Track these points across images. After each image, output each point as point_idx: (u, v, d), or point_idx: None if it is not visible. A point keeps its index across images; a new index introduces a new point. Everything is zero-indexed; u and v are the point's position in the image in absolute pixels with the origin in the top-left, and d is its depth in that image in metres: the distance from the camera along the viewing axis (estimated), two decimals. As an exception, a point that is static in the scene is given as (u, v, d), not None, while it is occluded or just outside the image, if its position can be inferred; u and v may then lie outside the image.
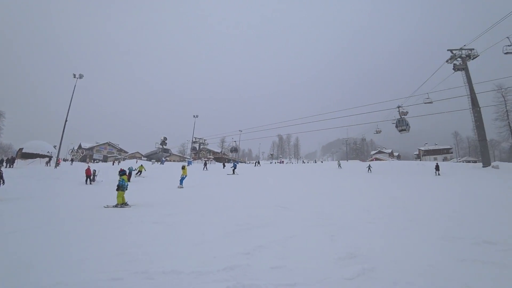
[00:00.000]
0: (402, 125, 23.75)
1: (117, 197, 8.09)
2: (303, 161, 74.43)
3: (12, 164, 27.33)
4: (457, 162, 50.12)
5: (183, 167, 15.32)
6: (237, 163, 31.02)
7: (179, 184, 14.41)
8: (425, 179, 15.51)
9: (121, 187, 8.20)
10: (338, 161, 34.68)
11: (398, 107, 26.58)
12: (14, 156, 36.59)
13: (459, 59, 24.94)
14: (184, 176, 14.83)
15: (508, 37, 20.05)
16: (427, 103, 24.80)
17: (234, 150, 36.02)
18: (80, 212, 7.18)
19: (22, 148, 54.68)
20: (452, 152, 70.71)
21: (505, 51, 20.31)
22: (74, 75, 30.06)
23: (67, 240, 4.41)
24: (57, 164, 28.14)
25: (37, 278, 2.88)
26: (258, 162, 46.29)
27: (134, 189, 13.08)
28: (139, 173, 21.51)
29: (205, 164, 32.06)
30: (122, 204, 8.05)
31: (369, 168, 22.94)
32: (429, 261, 3.34)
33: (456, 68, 24.90)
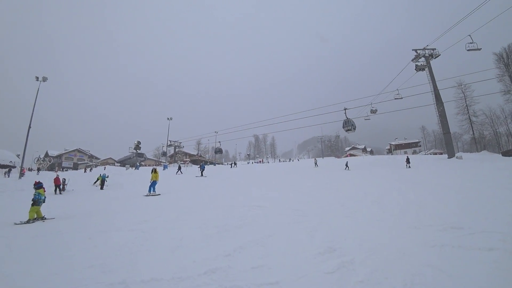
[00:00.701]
0: (348, 125, 25.53)
1: (29, 212, 7.21)
2: (279, 160, 75.21)
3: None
4: (425, 154, 53.07)
5: (154, 171, 13.02)
6: (206, 165, 31.06)
7: (147, 192, 12.23)
8: (396, 171, 16.25)
9: (36, 202, 7.39)
10: (315, 159, 33.95)
11: (371, 103, 27.95)
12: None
13: (422, 58, 26.45)
14: (155, 182, 12.62)
15: (469, 35, 21.47)
16: (397, 98, 26.08)
17: (219, 151, 35.46)
18: (46, 223, 6.72)
19: (-20, 159, 50.44)
20: (420, 146, 74.87)
21: (468, 48, 21.74)
22: (37, 78, 28.03)
23: (33, 255, 4.07)
24: (22, 174, 26.21)
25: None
26: (235, 163, 44.86)
27: (101, 196, 12.53)
28: (100, 185, 17.80)
29: (179, 168, 30.40)
30: (35, 219, 7.20)
31: (346, 166, 23.29)
32: (402, 249, 3.51)
33: (417, 69, 26.52)
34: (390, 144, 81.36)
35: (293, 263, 3.27)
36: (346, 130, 25.93)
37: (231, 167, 40.48)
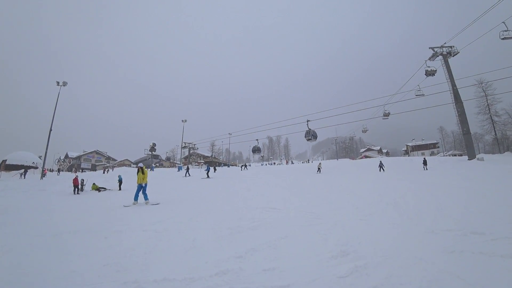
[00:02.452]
0: (308, 135, 25.56)
1: None
2: (291, 162, 74.71)
3: (-5, 177, 26.44)
4: (444, 156, 51.38)
5: (141, 170, 10.06)
6: (219, 166, 31.23)
7: (133, 201, 9.50)
8: (413, 174, 15.81)
9: None
10: (319, 163, 28.75)
11: (384, 110, 27.53)
12: (-3, 168, 35.32)
13: (440, 56, 25.67)
14: (143, 185, 9.87)
15: (504, 22, 20.43)
16: (419, 95, 25.15)
17: (258, 150, 32.21)
18: (63, 223, 6.96)
19: (6, 160, 52.88)
20: (438, 147, 72.61)
21: (503, 36, 20.67)
22: (58, 83, 29.31)
23: (49, 253, 4.22)
24: (43, 175, 27.32)
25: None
26: (245, 165, 42.59)
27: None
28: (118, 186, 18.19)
29: (187, 170, 29.44)
30: None
31: (381, 166, 21.21)
32: (419, 254, 3.39)
33: (427, 74, 25.67)
34: (406, 145, 79.43)
35: (306, 266, 3.23)
36: (308, 140, 26.20)
37: (241, 169, 38.54)
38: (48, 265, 3.63)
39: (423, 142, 74.97)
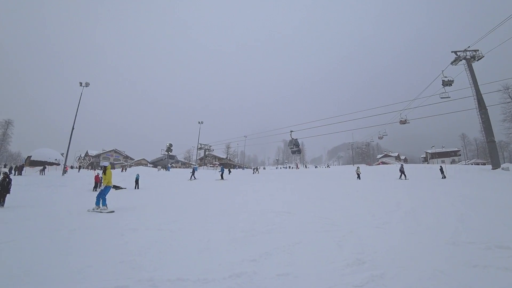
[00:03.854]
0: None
1: None
2: (305, 166, 73.80)
3: (21, 172, 27.77)
4: (466, 164, 49.36)
5: (104, 170, 8.93)
6: (234, 169, 31.09)
7: (95, 206, 8.30)
8: (431, 182, 15.27)
9: None
10: (358, 167, 23.57)
11: (401, 117, 26.96)
12: (23, 163, 37.06)
13: (463, 60, 24.72)
14: (107, 189, 8.59)
15: None
16: (444, 98, 24.14)
17: (295, 144, 27.49)
18: (82, 218, 7.19)
19: (31, 156, 55.85)
20: (460, 155, 69.83)
21: None
22: (81, 83, 30.60)
23: (67, 247, 4.39)
24: (65, 171, 28.42)
25: (41, 286, 2.87)
26: (257, 169, 37.40)
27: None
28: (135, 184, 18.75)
29: (193, 172, 25.97)
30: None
31: (402, 172, 19.88)
32: (439, 267, 3.25)
33: (444, 84, 24.66)
34: (426, 152, 76.81)
35: (320, 273, 3.17)
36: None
37: (253, 172, 34.54)
38: (65, 259, 3.78)
39: (444, 150, 72.26)
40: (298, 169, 41.97)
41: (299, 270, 3.24)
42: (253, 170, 37.77)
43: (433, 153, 72.60)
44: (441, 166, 20.97)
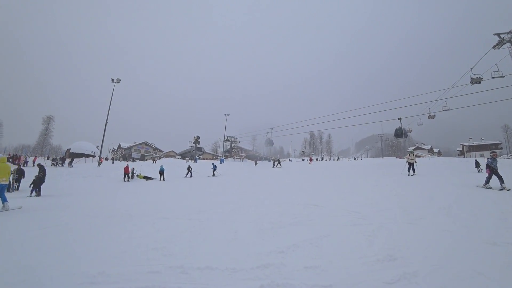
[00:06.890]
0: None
1: None
2: (332, 158, 72.15)
3: (64, 163, 30.21)
4: (508, 158, 45.62)
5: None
6: (260, 160, 30.93)
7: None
8: (467, 176, 14.29)
9: None
10: (410, 154, 17.16)
11: (429, 113, 25.45)
12: (64, 156, 40.12)
13: (508, 43, 22.54)
14: (3, 185, 7.55)
15: None
16: (475, 83, 22.09)
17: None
18: (117, 206, 7.65)
19: (70, 149, 60.48)
20: (501, 148, 64.58)
21: None
22: (112, 80, 32.23)
23: (106, 233, 4.75)
24: (100, 163, 30.29)
25: (82, 267, 3.12)
26: (279, 162, 33.82)
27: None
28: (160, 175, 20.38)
29: (215, 168, 24.89)
30: None
31: (478, 166, 17.83)
32: (477, 267, 3.03)
33: (473, 82, 22.31)
34: (462, 145, 71.94)
35: (349, 267, 3.11)
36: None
37: (272, 166, 31.96)
38: (102, 244, 4.08)
39: (483, 142, 67.17)
40: (311, 164, 37.90)
41: (327, 264, 3.20)
42: (273, 163, 33.67)
43: (471, 146, 67.82)
44: (476, 160, 19.43)
